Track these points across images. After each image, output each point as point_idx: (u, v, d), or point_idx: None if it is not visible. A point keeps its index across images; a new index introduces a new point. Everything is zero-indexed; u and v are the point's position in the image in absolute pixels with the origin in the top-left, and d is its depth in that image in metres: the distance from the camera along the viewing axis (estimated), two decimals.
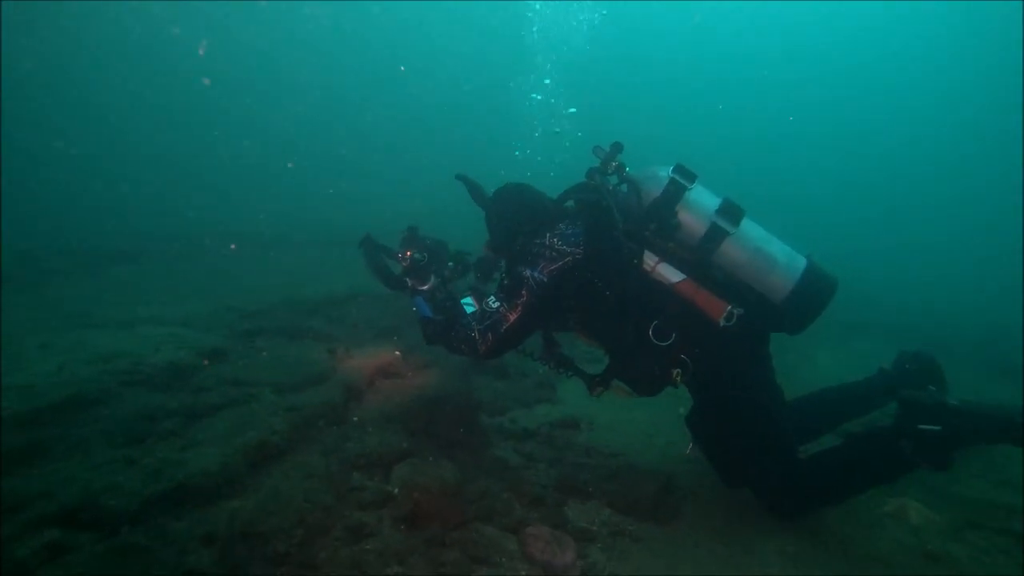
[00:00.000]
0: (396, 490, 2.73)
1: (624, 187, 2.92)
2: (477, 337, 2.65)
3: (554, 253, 2.64)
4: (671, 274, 2.68)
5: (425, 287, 3.14)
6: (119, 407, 3.25)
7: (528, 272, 2.63)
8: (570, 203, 2.94)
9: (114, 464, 2.77)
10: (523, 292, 2.63)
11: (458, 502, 2.74)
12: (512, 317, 2.63)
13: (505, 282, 2.74)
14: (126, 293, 6.55)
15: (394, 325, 5.16)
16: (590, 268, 2.65)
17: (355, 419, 3.38)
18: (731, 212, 2.70)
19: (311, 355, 4.10)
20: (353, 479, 2.86)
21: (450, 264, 3.24)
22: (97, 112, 24.53)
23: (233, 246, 9.10)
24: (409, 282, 3.14)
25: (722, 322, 2.64)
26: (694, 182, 2.74)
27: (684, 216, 2.70)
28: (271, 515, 2.52)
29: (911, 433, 2.66)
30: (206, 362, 3.87)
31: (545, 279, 2.62)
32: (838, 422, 3.42)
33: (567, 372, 2.99)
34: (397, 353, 4.35)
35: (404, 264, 3.15)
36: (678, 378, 2.72)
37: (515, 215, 2.90)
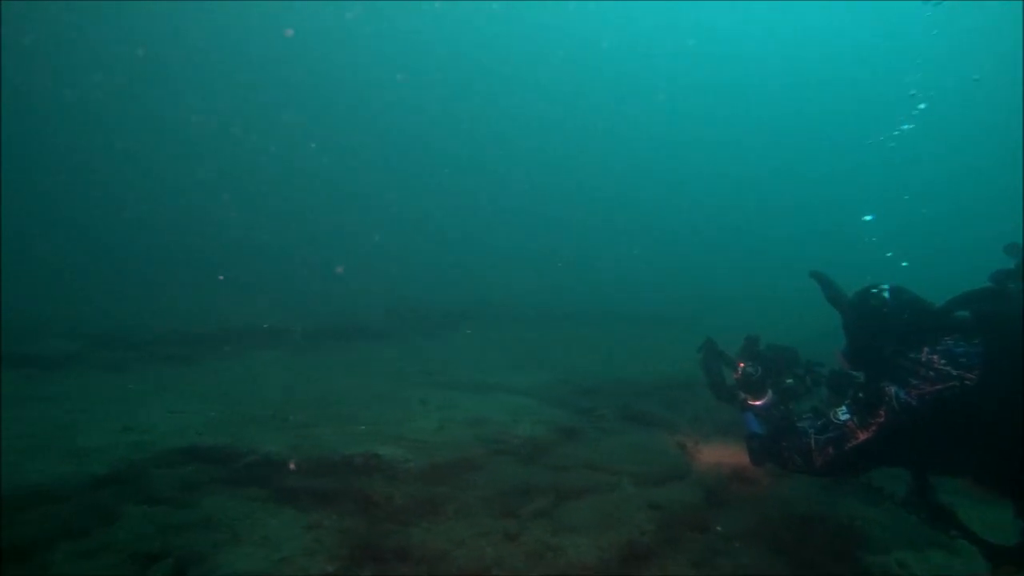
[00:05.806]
0: None
1: None
2: (814, 447, 2.28)
3: (933, 373, 2.10)
4: None
5: (758, 403, 2.83)
6: (493, 475, 3.50)
7: (893, 390, 2.15)
8: (962, 313, 2.33)
9: (495, 535, 2.93)
10: (881, 412, 2.16)
11: None
12: (861, 436, 2.20)
13: (860, 395, 2.28)
14: (450, 357, 7.38)
15: (738, 421, 4.81)
16: (984, 400, 2.04)
17: (718, 528, 3.10)
18: None
19: (661, 444, 3.99)
20: None
21: (789, 381, 2.86)
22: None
23: None
24: (741, 395, 2.85)
25: None
26: None
27: None
28: None
29: None
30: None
31: (915, 403, 2.10)
32: None
33: (947, 530, 2.32)
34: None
35: (736, 376, 2.89)
36: None
37: (883, 322, 2.37)
